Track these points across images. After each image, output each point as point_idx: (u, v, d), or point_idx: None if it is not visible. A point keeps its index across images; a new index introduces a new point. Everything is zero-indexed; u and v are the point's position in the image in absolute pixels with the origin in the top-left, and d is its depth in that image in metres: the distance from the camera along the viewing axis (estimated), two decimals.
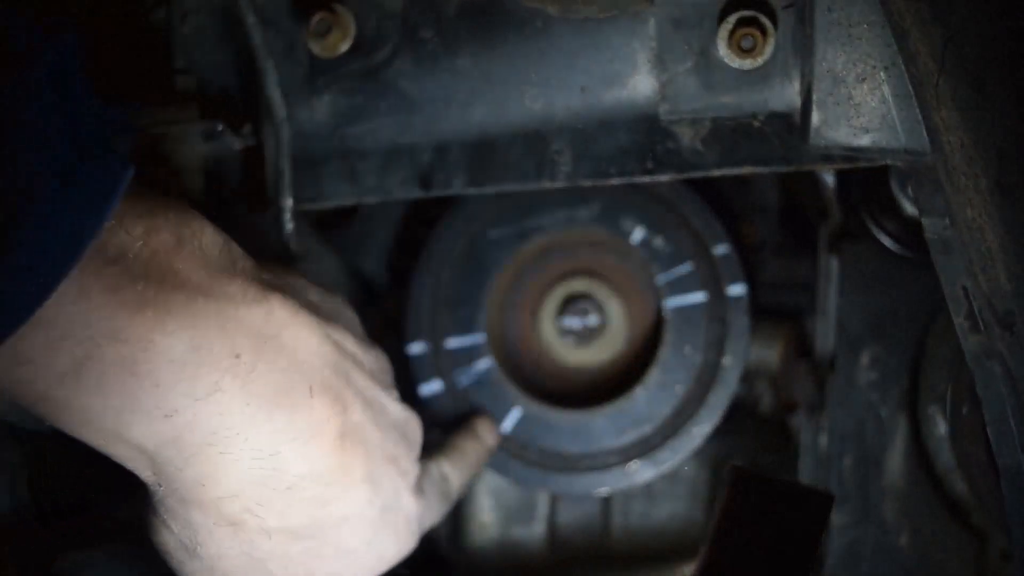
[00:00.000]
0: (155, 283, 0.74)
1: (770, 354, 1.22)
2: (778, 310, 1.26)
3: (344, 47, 0.94)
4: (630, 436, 1.19)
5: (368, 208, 1.27)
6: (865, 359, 1.14)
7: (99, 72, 0.79)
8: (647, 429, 1.19)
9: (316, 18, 0.93)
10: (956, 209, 0.82)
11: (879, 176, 1.12)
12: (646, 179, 0.95)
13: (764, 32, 0.89)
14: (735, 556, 0.77)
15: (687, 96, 0.93)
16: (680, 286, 1.19)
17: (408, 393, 1.15)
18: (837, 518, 1.13)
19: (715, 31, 0.90)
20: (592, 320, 1.23)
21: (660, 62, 0.93)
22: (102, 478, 0.94)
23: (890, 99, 0.86)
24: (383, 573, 0.92)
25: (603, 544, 1.28)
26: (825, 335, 1.16)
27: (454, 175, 0.97)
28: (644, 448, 1.19)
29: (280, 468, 0.81)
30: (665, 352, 1.19)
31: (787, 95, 0.92)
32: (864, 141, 0.87)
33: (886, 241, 1.14)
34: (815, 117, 0.88)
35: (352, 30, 0.94)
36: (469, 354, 1.20)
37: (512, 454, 1.19)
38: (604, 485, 1.19)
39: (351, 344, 0.88)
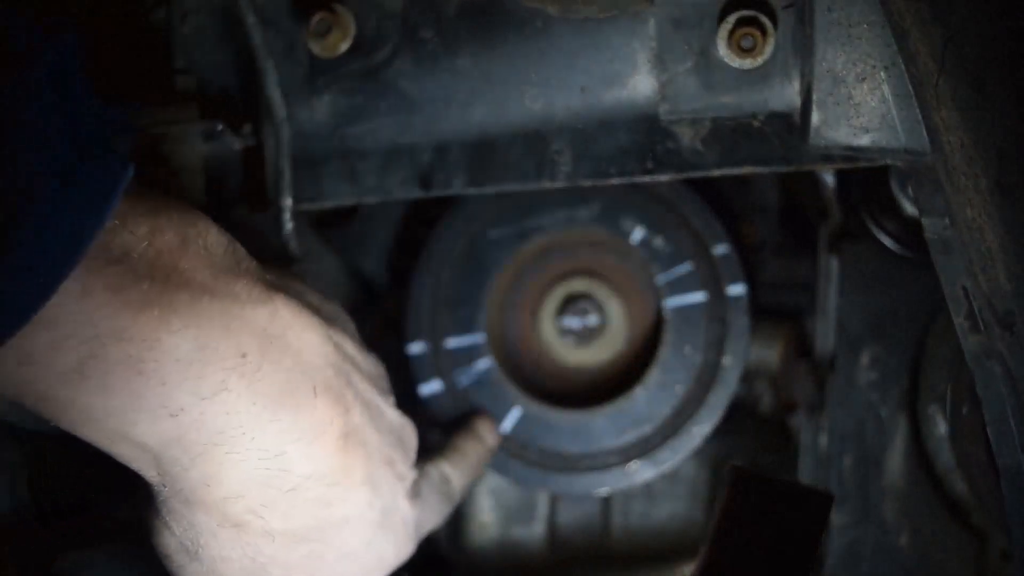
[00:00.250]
0: (160, 282, 0.74)
1: (770, 354, 1.22)
2: (778, 310, 1.26)
3: (344, 47, 0.94)
4: (630, 436, 1.19)
5: (368, 208, 1.27)
6: (865, 359, 1.14)
7: (99, 72, 0.79)
8: (647, 429, 1.19)
9: (316, 18, 0.93)
10: (956, 209, 0.82)
11: (879, 176, 1.12)
12: (646, 179, 0.95)
13: (764, 32, 0.89)
14: (735, 556, 0.77)
15: (687, 96, 0.93)
16: (680, 286, 1.19)
17: (408, 393, 1.15)
18: (837, 518, 1.13)
19: (715, 31, 0.90)
20: (592, 320, 1.23)
21: (660, 62, 0.93)
22: (102, 478, 0.94)
23: (890, 99, 0.86)
24: None
25: (603, 544, 1.28)
26: (825, 335, 1.16)
27: (454, 175, 0.97)
28: (644, 448, 1.19)
29: (285, 468, 0.81)
30: (665, 352, 1.19)
31: (787, 95, 0.92)
32: (864, 141, 0.87)
33: (886, 241, 1.14)
34: (815, 117, 0.88)
35: (352, 30, 0.94)
36: (469, 354, 1.20)
37: (512, 454, 1.19)
38: (604, 485, 1.19)
39: (350, 347, 0.88)
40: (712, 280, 1.18)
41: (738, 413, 1.24)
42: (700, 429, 1.18)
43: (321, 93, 0.97)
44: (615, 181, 0.95)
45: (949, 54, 0.78)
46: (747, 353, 1.19)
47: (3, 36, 0.68)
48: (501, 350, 1.22)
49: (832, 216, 1.17)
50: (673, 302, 1.19)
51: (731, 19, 0.89)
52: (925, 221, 0.86)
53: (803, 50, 0.89)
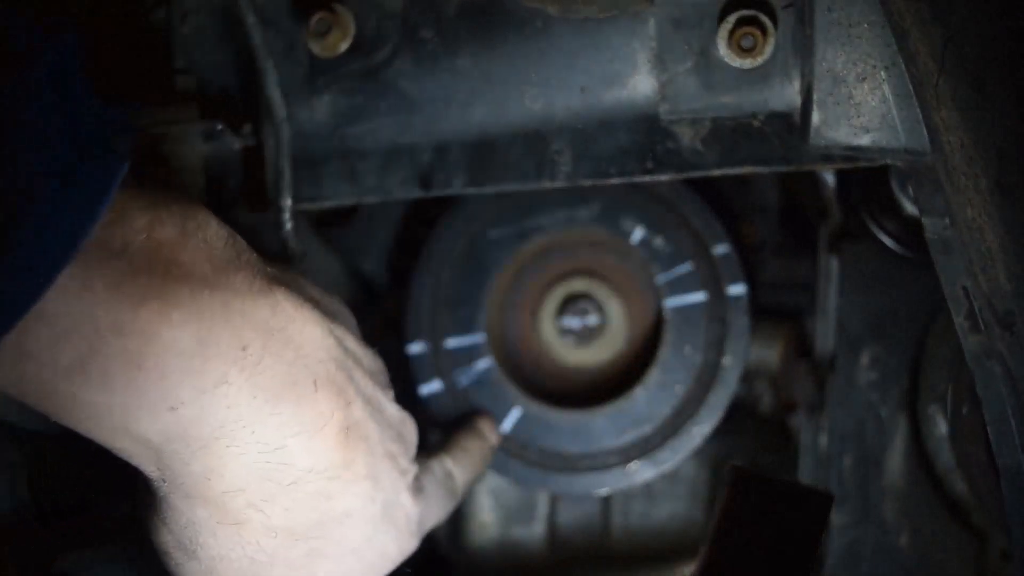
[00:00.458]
0: (159, 276, 0.74)
1: (770, 354, 1.22)
2: (778, 310, 1.26)
3: (344, 47, 0.94)
4: (630, 436, 1.19)
5: (368, 208, 1.27)
6: (865, 359, 1.14)
7: (99, 72, 0.78)
8: (647, 429, 1.19)
9: (316, 18, 0.93)
10: (956, 209, 0.82)
11: (879, 176, 1.12)
12: (646, 179, 0.95)
13: (764, 32, 0.89)
14: (735, 556, 0.77)
15: (687, 96, 0.93)
16: (680, 286, 1.19)
17: (408, 393, 1.15)
18: (837, 518, 1.13)
19: (715, 31, 0.90)
20: (592, 320, 1.23)
21: (660, 62, 0.93)
22: (102, 478, 0.94)
23: (890, 99, 0.86)
24: (387, 573, 0.92)
25: (603, 544, 1.28)
26: (825, 335, 1.16)
27: (454, 175, 0.97)
28: (644, 448, 1.19)
29: (286, 462, 0.81)
30: (665, 352, 1.19)
31: (787, 95, 0.92)
32: (864, 141, 0.87)
33: (886, 241, 1.14)
34: (815, 117, 0.88)
35: (352, 30, 0.94)
36: (469, 354, 1.20)
37: (512, 454, 1.19)
38: (604, 485, 1.19)
39: (351, 342, 0.88)
40: (712, 280, 1.18)
41: (738, 413, 1.24)
42: (700, 429, 1.18)
43: (321, 93, 0.97)
44: (615, 181, 0.95)
45: (949, 54, 0.78)
46: (747, 353, 1.19)
47: (3, 36, 0.68)
48: (501, 350, 1.22)
49: (832, 216, 1.17)
50: (673, 302, 1.19)
51: (731, 19, 0.89)
52: (925, 221, 0.86)
53: (803, 50, 0.89)
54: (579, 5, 0.93)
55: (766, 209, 1.27)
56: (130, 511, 0.88)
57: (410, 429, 0.94)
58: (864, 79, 0.86)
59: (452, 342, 1.20)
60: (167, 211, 0.76)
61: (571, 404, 1.20)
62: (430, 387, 1.20)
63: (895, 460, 1.13)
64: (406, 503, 0.91)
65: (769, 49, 0.89)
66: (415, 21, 0.96)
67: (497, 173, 0.97)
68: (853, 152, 0.88)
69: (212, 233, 0.79)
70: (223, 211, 0.93)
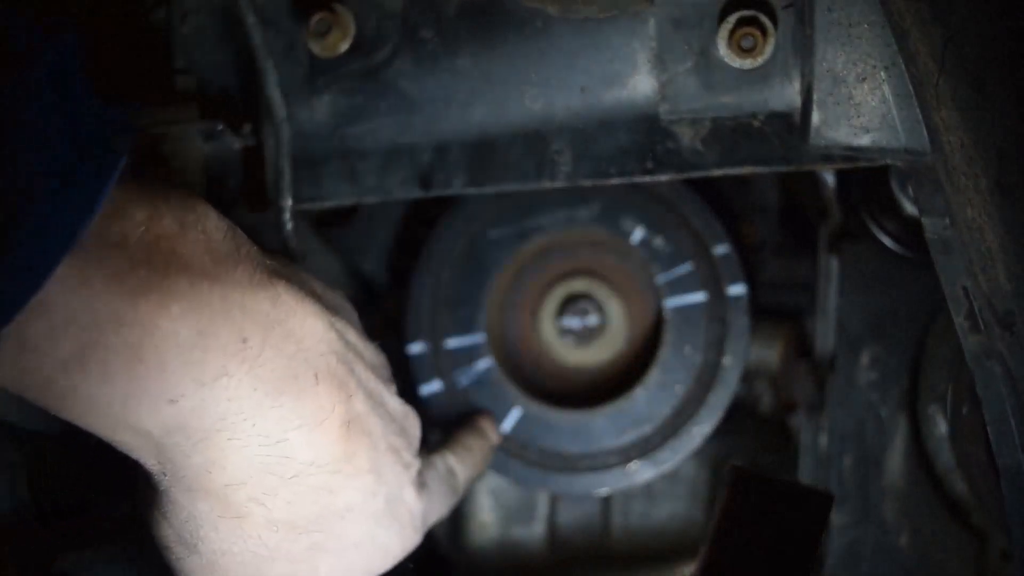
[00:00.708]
0: (158, 268, 0.74)
1: (770, 354, 1.22)
2: (778, 310, 1.26)
3: (344, 47, 0.94)
4: (630, 436, 1.19)
5: (368, 208, 1.27)
6: (865, 359, 1.14)
7: (99, 72, 0.78)
8: (647, 429, 1.19)
9: (316, 18, 0.93)
10: (956, 209, 0.82)
11: (879, 176, 1.12)
12: (646, 179, 0.95)
13: (764, 32, 0.89)
14: (735, 556, 0.77)
15: (687, 96, 0.93)
16: (680, 286, 1.19)
17: (408, 393, 1.15)
18: (837, 518, 1.13)
19: (715, 31, 0.90)
20: (592, 320, 1.23)
21: (660, 62, 0.93)
22: (102, 478, 0.94)
23: (890, 99, 0.86)
24: (388, 568, 0.91)
25: (603, 544, 1.28)
26: (825, 335, 1.16)
27: (454, 175, 0.97)
28: (644, 448, 1.19)
29: (287, 455, 0.81)
30: (665, 352, 1.19)
31: (787, 95, 0.92)
32: (864, 141, 0.87)
33: (886, 241, 1.14)
34: (815, 117, 0.88)
35: (352, 30, 0.94)
36: (469, 354, 1.20)
37: (512, 454, 1.19)
38: (604, 485, 1.19)
39: (353, 336, 0.88)
40: (712, 280, 1.18)
41: (738, 413, 1.24)
42: (700, 429, 1.18)
43: (321, 93, 0.97)
44: (615, 181, 0.95)
45: (949, 54, 0.78)
46: (747, 353, 1.19)
47: (3, 36, 0.68)
48: (501, 350, 1.22)
49: (832, 216, 1.17)
50: (673, 302, 1.19)
51: (731, 19, 0.89)
52: (925, 221, 0.86)
53: (803, 50, 0.89)
54: (579, 5, 0.93)
55: (766, 209, 1.27)
56: (130, 511, 0.88)
57: (413, 423, 0.93)
58: (864, 79, 0.86)
59: (452, 342, 1.20)
60: (166, 204, 0.76)
61: (571, 404, 1.20)
62: (430, 387, 1.20)
63: (895, 460, 1.13)
64: (409, 498, 0.91)
65: (769, 49, 0.89)
66: (415, 21, 0.96)
67: (497, 173, 0.97)
68: (853, 152, 0.88)
69: (211, 226, 0.79)
70: (223, 211, 0.93)
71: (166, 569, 0.86)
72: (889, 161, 0.88)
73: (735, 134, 0.93)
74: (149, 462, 0.80)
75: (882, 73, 0.86)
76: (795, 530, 0.78)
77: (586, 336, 1.23)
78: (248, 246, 0.81)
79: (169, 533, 0.84)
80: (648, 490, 1.27)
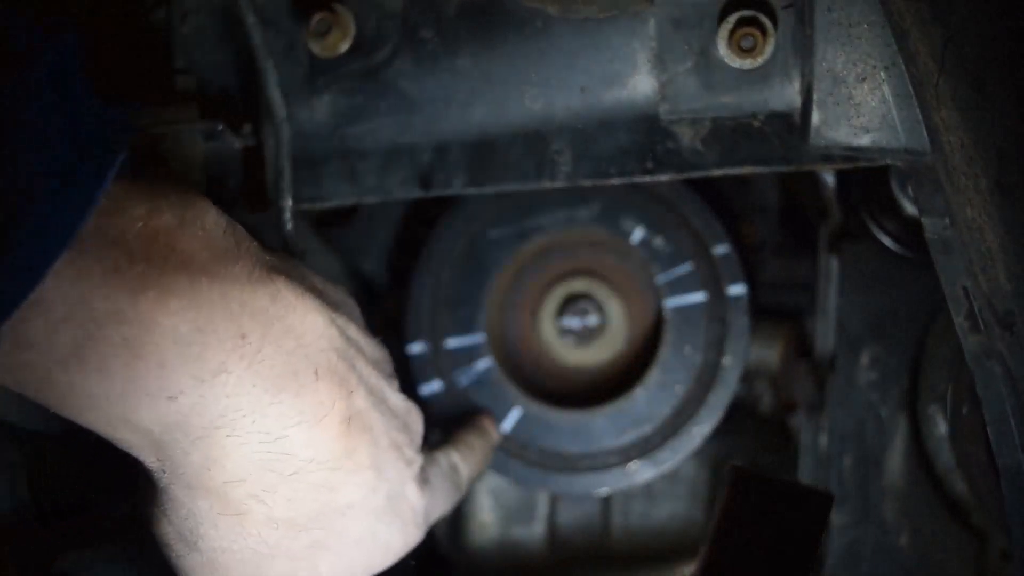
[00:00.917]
0: (157, 264, 0.74)
1: (770, 354, 1.22)
2: (778, 310, 1.26)
3: (344, 47, 0.94)
4: (630, 436, 1.19)
5: (368, 208, 1.27)
6: (865, 359, 1.14)
7: (99, 72, 0.78)
8: (647, 429, 1.19)
9: (316, 18, 0.93)
10: (956, 209, 0.82)
11: (879, 176, 1.12)
12: (646, 179, 0.95)
13: (764, 32, 0.89)
14: (735, 556, 0.77)
15: (687, 96, 0.93)
16: (680, 286, 1.19)
17: (408, 393, 1.15)
18: (837, 518, 1.13)
19: (715, 31, 0.90)
20: (592, 320, 1.23)
21: (660, 62, 0.93)
22: (102, 478, 0.94)
23: (890, 99, 0.86)
24: (390, 565, 0.91)
25: (603, 544, 1.28)
26: (825, 335, 1.16)
27: (454, 175, 0.97)
28: (644, 448, 1.19)
29: (287, 452, 0.81)
30: (665, 352, 1.19)
31: (787, 95, 0.92)
32: (864, 141, 0.87)
33: (886, 241, 1.14)
34: (815, 117, 0.88)
35: (352, 30, 0.94)
36: (469, 354, 1.20)
37: (512, 454, 1.19)
38: (604, 485, 1.19)
39: (354, 331, 0.88)
40: (712, 280, 1.18)
41: (738, 413, 1.24)
42: (700, 429, 1.18)
43: (321, 93, 0.97)
44: (615, 181, 0.95)
45: (949, 54, 0.78)
46: (747, 353, 1.19)
47: (3, 36, 0.68)
48: (501, 350, 1.22)
49: (832, 216, 1.17)
50: (673, 302, 1.19)
51: (731, 19, 0.89)
52: (925, 221, 0.86)
53: (803, 50, 0.89)
54: (579, 5, 0.93)
55: (766, 209, 1.27)
56: (130, 510, 0.88)
57: (415, 419, 0.93)
58: (864, 79, 0.86)
59: (452, 342, 1.20)
60: (165, 200, 0.76)
61: (571, 404, 1.20)
62: (430, 387, 1.20)
63: (895, 460, 1.13)
64: (411, 494, 0.91)
65: (769, 49, 0.89)
66: (415, 21, 0.96)
67: (497, 173, 0.97)
68: (853, 152, 0.88)
69: (211, 222, 0.79)
70: (223, 211, 0.93)
71: (166, 568, 0.86)
72: (889, 161, 0.88)
73: (735, 134, 0.93)
74: (148, 459, 0.80)
75: (882, 73, 0.86)
76: (795, 530, 0.78)
77: (586, 336, 1.23)
78: (248, 242, 0.81)
79: (169, 531, 0.84)
80: (648, 490, 1.27)
